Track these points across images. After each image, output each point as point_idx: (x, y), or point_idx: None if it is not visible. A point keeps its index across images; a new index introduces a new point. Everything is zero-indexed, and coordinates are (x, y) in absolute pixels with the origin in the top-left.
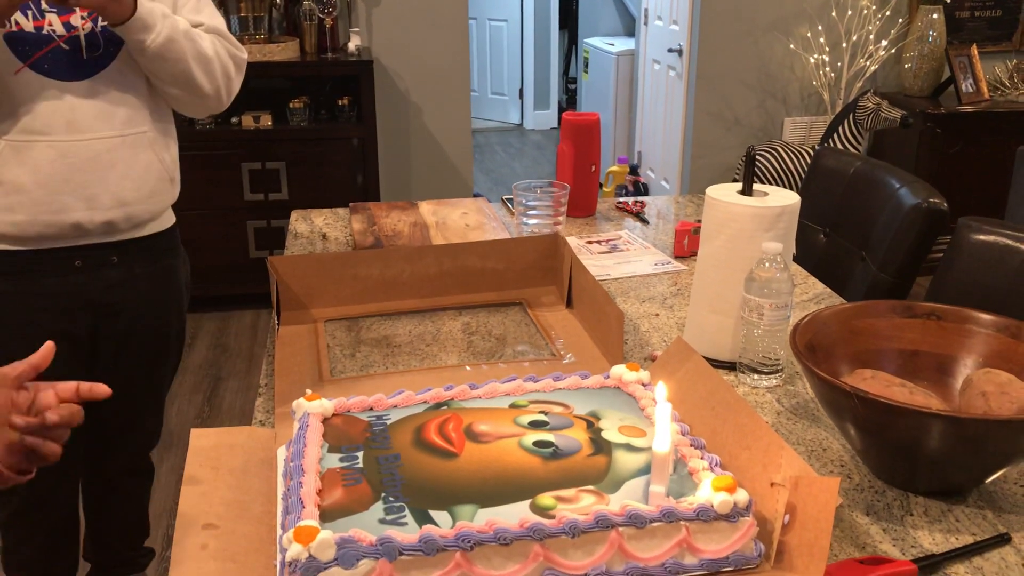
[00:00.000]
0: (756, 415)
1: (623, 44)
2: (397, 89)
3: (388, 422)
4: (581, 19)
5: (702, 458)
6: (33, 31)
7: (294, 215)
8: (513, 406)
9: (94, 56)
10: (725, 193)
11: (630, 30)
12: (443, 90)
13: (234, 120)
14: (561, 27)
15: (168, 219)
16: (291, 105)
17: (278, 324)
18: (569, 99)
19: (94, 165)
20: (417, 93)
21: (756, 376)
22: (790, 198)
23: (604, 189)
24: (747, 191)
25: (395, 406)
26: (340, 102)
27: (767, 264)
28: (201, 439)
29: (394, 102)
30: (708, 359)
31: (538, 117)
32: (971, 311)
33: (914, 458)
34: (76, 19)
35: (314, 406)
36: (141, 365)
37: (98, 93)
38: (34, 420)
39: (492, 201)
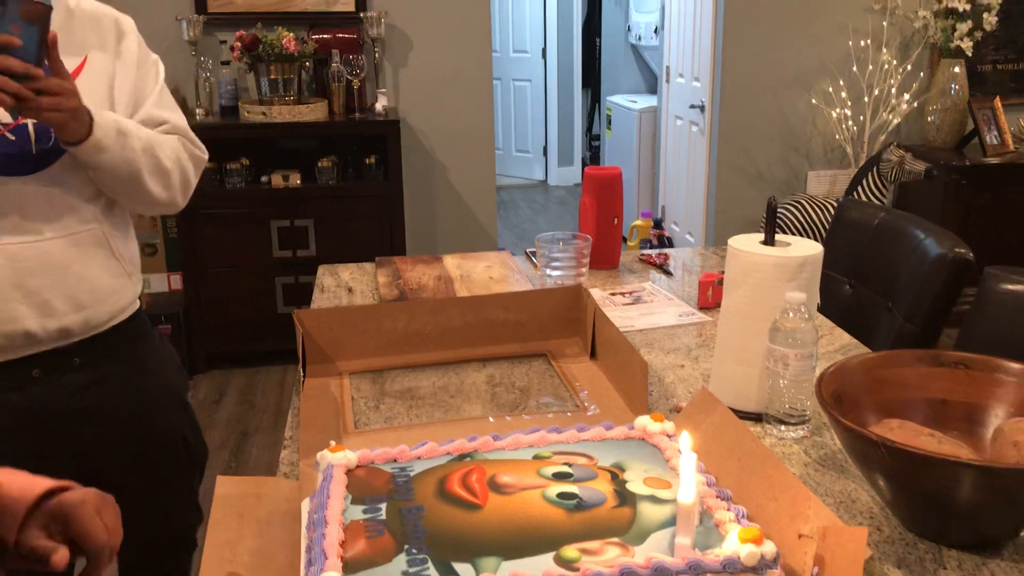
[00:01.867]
0: (782, 466)
1: (645, 101)
2: (423, 147)
3: (411, 474)
4: (604, 78)
5: (728, 509)
6: None
7: (321, 269)
8: (537, 457)
9: (43, 149)
10: (748, 243)
11: (652, 87)
12: (468, 148)
13: (264, 179)
14: (584, 86)
15: (132, 307)
16: (320, 164)
17: (304, 377)
18: (593, 156)
19: (45, 268)
20: (442, 151)
21: (783, 427)
22: (813, 248)
23: (628, 243)
24: (769, 241)
25: (418, 457)
26: (367, 161)
27: (791, 314)
28: (227, 487)
29: (420, 160)
30: (734, 410)
31: (562, 173)
32: (1000, 360)
33: (945, 510)
34: None
35: (338, 458)
36: (142, 468)
37: (47, 189)
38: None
39: (516, 255)
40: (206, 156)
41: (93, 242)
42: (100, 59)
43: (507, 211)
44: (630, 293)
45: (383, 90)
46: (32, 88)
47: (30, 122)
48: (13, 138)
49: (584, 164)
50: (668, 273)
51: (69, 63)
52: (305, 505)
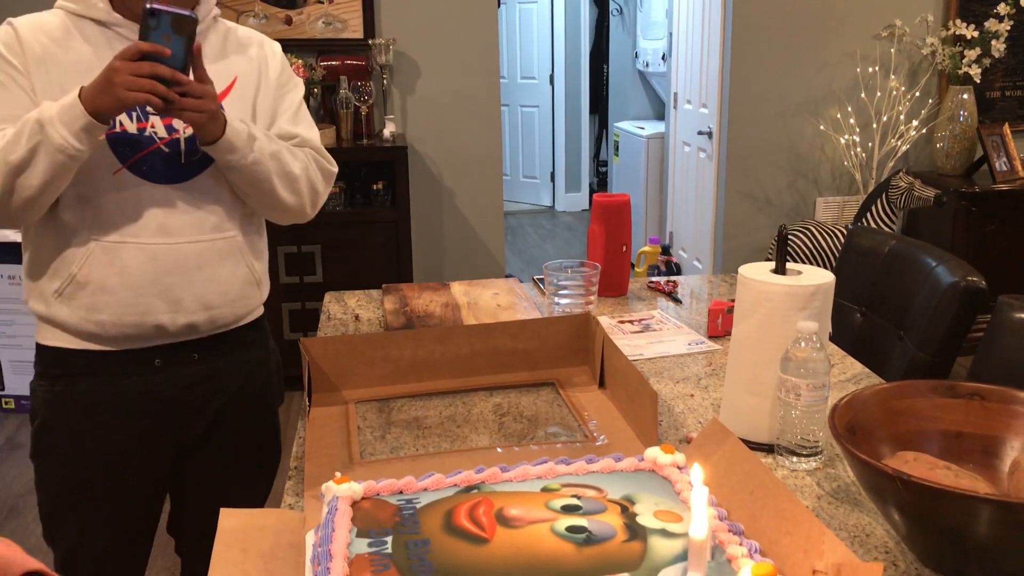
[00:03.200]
0: (796, 499)
1: (653, 127)
2: (431, 173)
3: (418, 506)
4: (611, 104)
5: (741, 544)
6: (136, 133)
7: (328, 296)
8: (545, 490)
9: (191, 160)
10: (758, 272)
11: (660, 114)
12: (476, 174)
13: None
14: (592, 112)
15: (254, 314)
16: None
17: (309, 406)
18: (600, 181)
19: (181, 268)
20: (450, 177)
21: (795, 459)
22: (824, 276)
23: (636, 269)
24: (780, 270)
25: (425, 489)
26: (375, 187)
27: (803, 344)
28: (230, 520)
29: (427, 186)
30: (745, 441)
31: (569, 199)
32: (1016, 391)
33: (963, 545)
34: (178, 123)
35: (343, 489)
36: (228, 465)
37: (191, 197)
38: None
39: (524, 282)
40: (335, 169)
41: (228, 250)
42: (246, 80)
43: (515, 237)
44: (639, 321)
45: (391, 116)
46: (178, 91)
47: (182, 136)
48: (167, 150)
49: (592, 190)
50: (677, 301)
51: (221, 82)
52: (310, 538)
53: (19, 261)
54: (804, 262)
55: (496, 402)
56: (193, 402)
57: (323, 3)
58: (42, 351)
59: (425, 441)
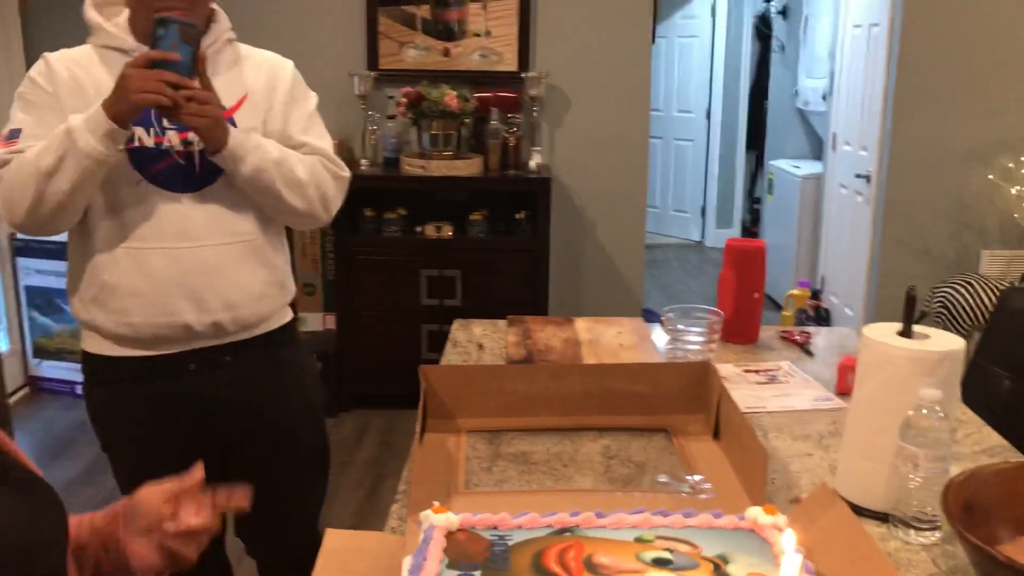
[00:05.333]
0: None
1: (809, 167)
2: (573, 205)
3: (510, 543)
4: (769, 141)
5: None
6: (153, 146)
7: (455, 324)
8: (638, 540)
9: (206, 170)
10: (883, 333)
11: (817, 153)
12: (619, 208)
13: (418, 229)
14: (749, 148)
15: (282, 317)
16: (471, 217)
17: (423, 431)
18: (753, 219)
19: (202, 270)
20: (593, 210)
21: (910, 531)
22: (953, 343)
23: (784, 313)
24: (907, 332)
25: (519, 527)
26: (517, 216)
27: (924, 411)
28: (333, 540)
29: (569, 217)
30: (859, 507)
31: (720, 235)
32: None
33: None
34: (192, 135)
35: (440, 519)
36: (274, 462)
37: (207, 203)
38: (181, 527)
39: (656, 321)
40: (347, 175)
41: (247, 251)
42: (257, 96)
43: (659, 270)
44: (765, 371)
45: (538, 148)
46: (184, 96)
47: (196, 148)
48: (183, 162)
49: (744, 227)
50: (809, 353)
51: (231, 97)
52: (406, 563)
53: None
54: (963, 318)
55: (605, 444)
56: (231, 401)
57: (480, 36)
58: (87, 358)
59: (530, 477)
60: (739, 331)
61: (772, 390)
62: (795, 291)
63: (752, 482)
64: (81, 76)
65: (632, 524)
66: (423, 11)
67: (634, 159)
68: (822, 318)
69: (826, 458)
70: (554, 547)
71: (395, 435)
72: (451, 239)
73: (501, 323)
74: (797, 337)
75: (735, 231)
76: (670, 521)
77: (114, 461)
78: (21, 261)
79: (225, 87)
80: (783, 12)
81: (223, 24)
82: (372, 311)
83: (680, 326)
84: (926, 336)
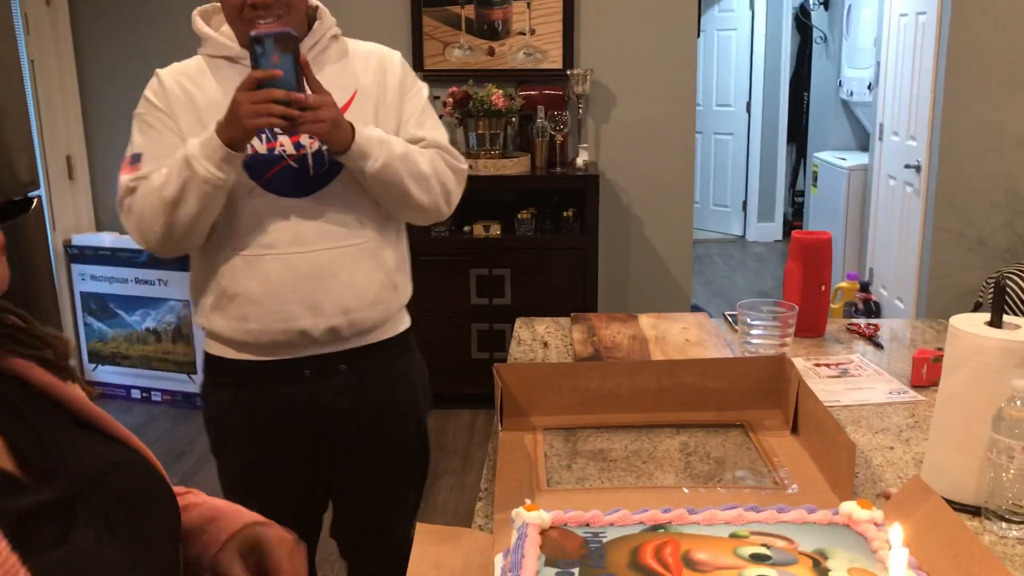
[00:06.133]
0: (1005, 568)
1: (855, 159)
2: (620, 202)
3: (604, 540)
4: (811, 133)
5: None
6: (266, 152)
7: (518, 322)
8: (733, 536)
9: (319, 173)
10: (971, 324)
11: (863, 144)
12: (666, 204)
13: (466, 229)
14: (789, 140)
15: (399, 324)
16: (519, 216)
17: (501, 429)
18: (796, 212)
19: (317, 275)
20: (640, 206)
21: (1004, 524)
22: None
23: (832, 306)
24: (996, 322)
25: (612, 524)
26: (565, 214)
27: (1018, 403)
28: (426, 535)
29: (617, 214)
30: (948, 501)
31: (761, 229)
32: None
33: None
34: (304, 138)
35: (533, 516)
36: (378, 471)
37: (321, 208)
38: None
39: (711, 315)
40: (465, 166)
41: (361, 255)
42: (366, 92)
43: (702, 266)
44: (836, 365)
45: (585, 145)
46: (297, 108)
47: (309, 152)
48: (296, 166)
49: (786, 221)
50: (878, 346)
51: (341, 96)
52: (498, 560)
53: None
54: (1020, 307)
55: (683, 440)
56: (343, 410)
57: (525, 35)
58: (208, 360)
59: (610, 474)
60: (806, 325)
61: (845, 384)
62: (843, 284)
63: (838, 477)
64: (192, 90)
65: (725, 520)
66: (468, 11)
67: (681, 154)
68: (872, 311)
69: (908, 451)
70: (650, 543)
71: (446, 434)
72: (500, 238)
73: (563, 320)
74: (865, 329)
75: (777, 225)
76: (764, 517)
77: (221, 464)
78: (76, 267)
79: (334, 84)
80: (824, 3)
81: (327, 21)
82: (422, 311)
83: (752, 320)
84: (1015, 326)
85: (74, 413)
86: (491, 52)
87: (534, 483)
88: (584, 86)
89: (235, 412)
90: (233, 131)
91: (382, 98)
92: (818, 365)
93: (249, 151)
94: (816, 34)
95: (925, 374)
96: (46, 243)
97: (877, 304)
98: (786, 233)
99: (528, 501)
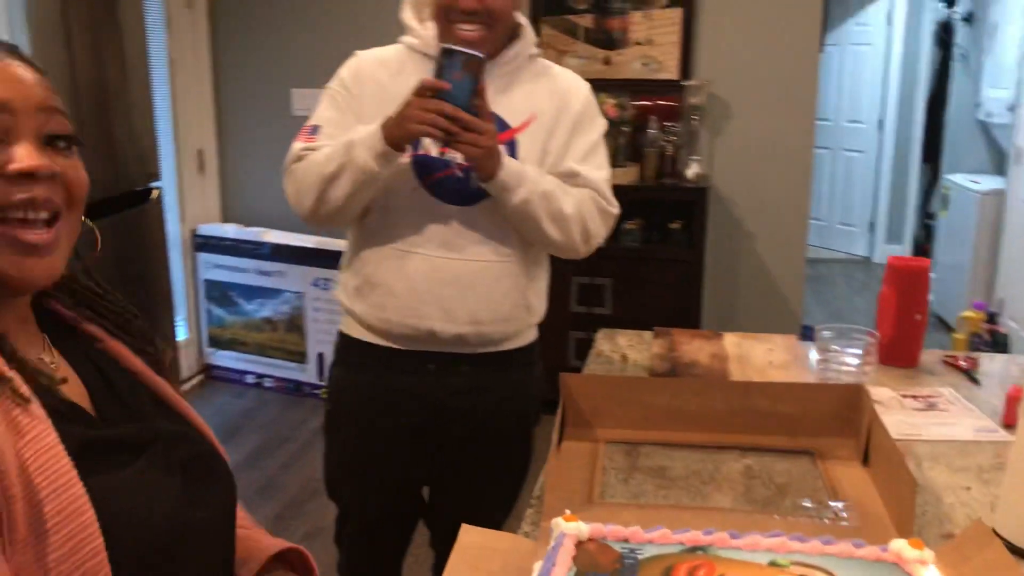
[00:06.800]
0: None
1: (990, 182)
2: (731, 216)
3: (640, 557)
4: (946, 154)
5: None
6: (437, 156)
7: (600, 333)
8: (772, 564)
9: (480, 187)
10: None
11: (999, 168)
12: (779, 220)
13: None
14: (924, 160)
15: (526, 338)
16: (625, 226)
17: (560, 439)
18: (926, 235)
19: (457, 282)
20: (752, 221)
21: None
22: None
23: (955, 336)
24: None
25: (650, 541)
26: (672, 226)
27: None
28: (469, 536)
29: (726, 228)
30: (1020, 549)
31: (889, 251)
32: None
33: None
34: (457, 156)
35: (570, 527)
36: (481, 472)
37: (474, 219)
38: None
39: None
40: (615, 211)
41: (502, 272)
42: (545, 117)
43: (822, 286)
44: (924, 397)
45: (697, 157)
46: (459, 126)
47: None
48: (461, 175)
49: (916, 243)
50: (974, 380)
51: (520, 117)
52: (536, 568)
53: None
54: None
55: (747, 464)
56: (457, 409)
57: (642, 44)
58: (341, 339)
59: (667, 492)
60: (898, 354)
61: (930, 417)
62: (969, 313)
63: (900, 513)
64: (385, 81)
65: (767, 547)
66: (585, 20)
67: (798, 170)
68: (999, 343)
69: (987, 493)
70: (684, 564)
71: (540, 440)
72: (604, 247)
73: (647, 334)
74: (962, 363)
75: (905, 247)
76: (808, 547)
77: (330, 442)
78: (201, 256)
79: (518, 105)
80: (967, 19)
81: (527, 40)
82: None
83: (834, 346)
84: None
85: (155, 394)
86: (607, 62)
87: (587, 495)
88: (700, 97)
89: (354, 391)
90: (395, 130)
91: (557, 126)
92: (905, 396)
93: (421, 150)
94: (956, 51)
95: (1017, 413)
96: (163, 232)
97: (1005, 337)
98: (916, 256)
99: (568, 512)
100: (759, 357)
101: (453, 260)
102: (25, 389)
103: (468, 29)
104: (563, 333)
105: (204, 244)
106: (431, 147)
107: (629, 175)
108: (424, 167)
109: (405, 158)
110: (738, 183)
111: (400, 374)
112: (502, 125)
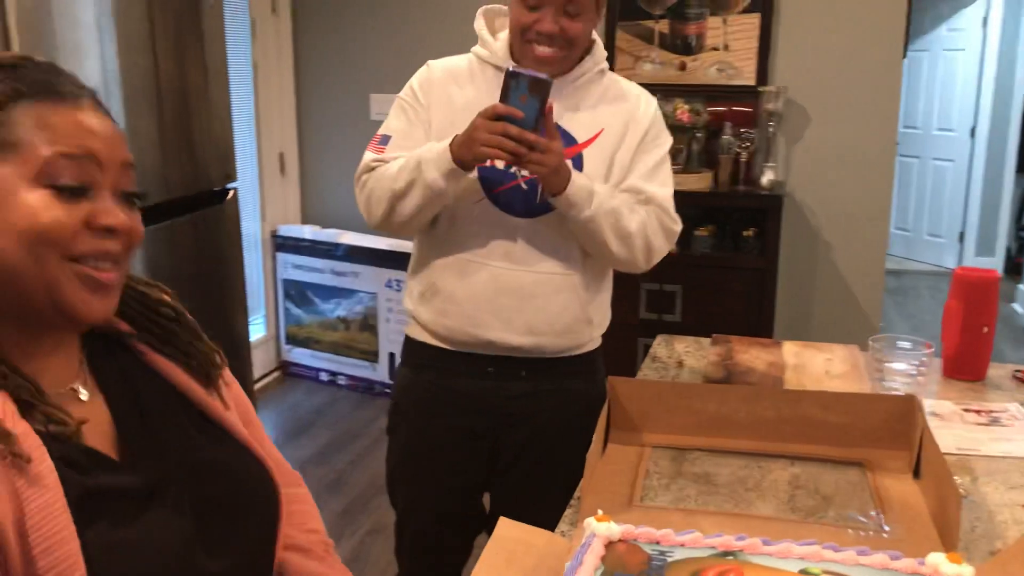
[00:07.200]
0: None
1: None
2: (808, 224)
3: (668, 559)
4: None
5: None
6: (503, 169)
7: (658, 339)
8: (804, 572)
9: (545, 200)
10: None
11: None
12: (859, 229)
13: None
14: (1018, 170)
15: (586, 346)
16: (696, 232)
17: (605, 442)
18: (1020, 247)
19: (518, 294)
20: (829, 230)
21: None
22: None
23: None
24: None
25: (681, 545)
26: (745, 233)
27: None
28: (505, 529)
29: (802, 237)
30: None
31: (979, 264)
32: None
33: None
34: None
35: (601, 528)
36: (541, 477)
37: (538, 232)
38: None
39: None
40: (678, 228)
41: (563, 285)
42: (611, 132)
43: (906, 299)
44: (988, 412)
45: (772, 164)
46: (525, 147)
47: None
48: (526, 187)
49: (1009, 256)
50: None
51: (587, 132)
52: (567, 567)
53: None
54: None
55: (794, 473)
56: (514, 414)
57: (719, 50)
58: (406, 340)
59: (708, 498)
60: (963, 367)
61: (991, 432)
62: None
63: (945, 527)
64: (453, 90)
65: (799, 556)
66: (662, 26)
67: (879, 179)
68: None
69: None
70: (712, 568)
71: None
72: (673, 254)
73: (706, 341)
74: None
75: (997, 260)
76: (841, 557)
77: (392, 443)
78: (280, 256)
79: (586, 120)
80: None
81: (597, 55)
82: None
83: (887, 357)
84: None
85: (202, 413)
86: (682, 67)
87: (627, 498)
88: (777, 103)
89: (414, 392)
90: (463, 151)
91: (623, 143)
92: (967, 411)
93: (488, 163)
94: None
95: None
96: (239, 232)
97: None
98: (1008, 269)
99: (600, 512)
100: (817, 367)
101: (515, 271)
102: (27, 447)
103: (545, 51)
104: (631, 340)
105: (283, 244)
106: (497, 160)
107: (702, 181)
108: (490, 180)
109: (472, 173)
110: (815, 191)
111: (458, 376)
112: (569, 140)
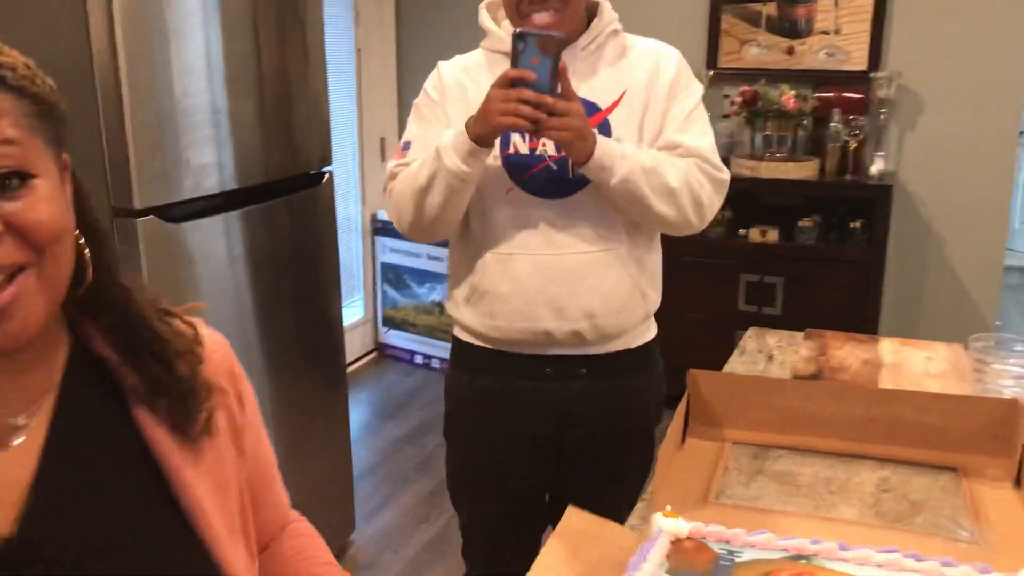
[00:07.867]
0: None
1: None
2: (919, 216)
3: (737, 560)
4: None
5: None
6: (528, 152)
7: (749, 332)
8: None
9: (577, 176)
10: None
11: None
12: (974, 223)
13: (741, 232)
14: None
15: (644, 334)
16: (800, 223)
17: (683, 436)
18: None
19: (565, 278)
20: (942, 223)
21: None
22: None
23: None
24: None
25: (752, 546)
26: (852, 225)
27: None
28: (573, 519)
29: (913, 229)
30: None
31: None
32: None
33: None
34: (551, 146)
35: (668, 524)
36: (603, 474)
37: (575, 211)
38: None
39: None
40: (726, 176)
41: (611, 261)
42: (635, 93)
43: None
44: None
45: (882, 153)
46: (544, 111)
47: None
48: (555, 167)
49: None
50: None
51: (610, 96)
52: (631, 562)
53: None
54: None
55: (883, 476)
56: (574, 413)
57: (829, 34)
58: (456, 344)
59: (788, 499)
60: None
61: None
62: None
63: None
64: (468, 84)
65: (877, 563)
66: (769, 8)
67: (999, 169)
68: None
69: None
70: (783, 572)
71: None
72: (776, 244)
73: (799, 335)
74: None
75: None
76: (922, 567)
77: (449, 448)
78: (379, 240)
79: (606, 84)
80: None
81: (606, 17)
82: (688, 312)
83: (989, 358)
84: None
85: (168, 491)
86: (790, 51)
87: (702, 494)
88: (889, 90)
89: (471, 397)
90: (480, 127)
91: (651, 100)
92: None
93: (511, 150)
94: None
95: None
96: (334, 216)
97: None
98: None
99: (668, 508)
100: (915, 366)
101: (559, 256)
102: None
103: (543, 17)
104: (728, 331)
105: (381, 228)
106: (520, 144)
107: (807, 170)
108: (517, 167)
109: (495, 159)
110: (928, 181)
111: (516, 378)
112: (592, 108)
